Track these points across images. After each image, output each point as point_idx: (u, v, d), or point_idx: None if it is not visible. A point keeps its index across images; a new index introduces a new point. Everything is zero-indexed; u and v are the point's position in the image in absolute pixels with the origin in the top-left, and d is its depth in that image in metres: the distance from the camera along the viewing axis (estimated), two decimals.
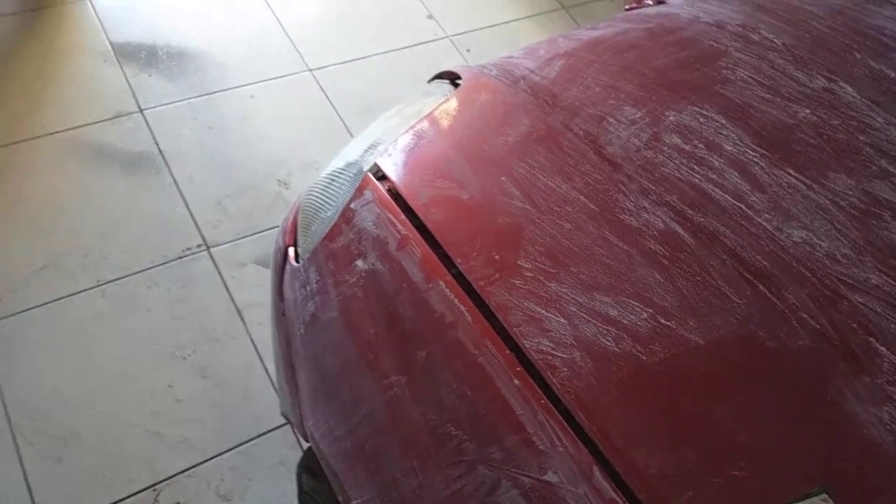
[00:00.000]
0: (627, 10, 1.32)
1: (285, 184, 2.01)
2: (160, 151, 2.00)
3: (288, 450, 1.58)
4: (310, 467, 1.22)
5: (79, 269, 1.75)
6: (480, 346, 0.78)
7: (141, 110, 2.08)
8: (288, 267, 1.06)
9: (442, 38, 2.52)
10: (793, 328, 0.77)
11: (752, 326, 0.76)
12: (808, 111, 1.00)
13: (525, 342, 0.76)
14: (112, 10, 2.29)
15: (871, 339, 0.78)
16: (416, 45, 2.47)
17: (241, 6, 2.41)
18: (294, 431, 1.61)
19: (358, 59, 2.37)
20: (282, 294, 1.07)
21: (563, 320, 0.77)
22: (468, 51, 2.49)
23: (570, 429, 0.70)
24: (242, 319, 1.75)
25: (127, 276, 1.76)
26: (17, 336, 1.62)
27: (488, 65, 1.15)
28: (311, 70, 2.30)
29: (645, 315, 0.76)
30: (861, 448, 0.70)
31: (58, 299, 1.69)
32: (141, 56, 2.20)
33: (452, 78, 1.17)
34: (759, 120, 0.98)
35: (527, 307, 0.78)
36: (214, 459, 1.55)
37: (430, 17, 2.58)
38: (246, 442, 1.58)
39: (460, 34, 2.55)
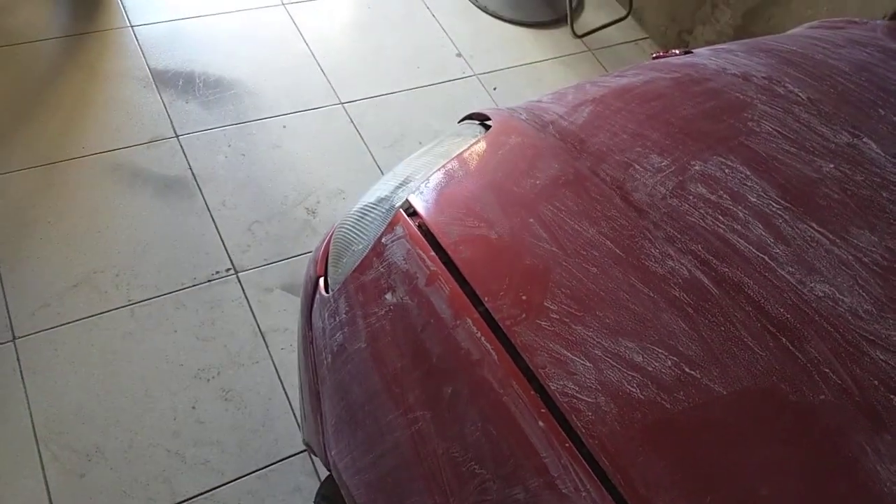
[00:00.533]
0: (654, 58, 1.36)
1: (313, 212, 2.05)
2: (194, 176, 2.06)
3: (305, 477, 1.60)
4: (329, 497, 1.23)
5: (111, 288, 1.79)
6: (506, 385, 0.80)
7: (177, 136, 2.14)
8: (318, 297, 1.08)
9: (470, 76, 2.58)
10: (815, 382, 0.78)
11: (774, 379, 0.77)
12: (831, 166, 1.02)
13: (550, 384, 0.78)
14: (153, 38, 2.38)
15: (892, 396, 0.78)
16: (444, 82, 2.52)
17: (277, 39, 2.49)
18: (311, 459, 1.63)
19: (388, 93, 2.43)
20: (311, 323, 1.10)
21: (588, 364, 0.78)
22: (495, 89, 2.55)
23: (593, 474, 0.71)
24: (266, 344, 1.78)
25: (156, 296, 1.80)
26: (47, 351, 1.66)
27: (518, 108, 1.18)
28: (342, 103, 2.36)
29: (669, 363, 0.78)
30: None
31: (89, 317, 1.74)
32: (179, 83, 2.27)
33: (482, 119, 1.20)
34: (784, 173, 1.00)
35: (552, 349, 0.80)
36: (233, 483, 1.57)
37: (459, 55, 2.64)
38: (264, 467, 1.60)
39: (488, 73, 2.60)
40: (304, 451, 1.64)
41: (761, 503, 0.69)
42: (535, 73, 2.66)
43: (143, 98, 2.21)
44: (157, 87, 2.25)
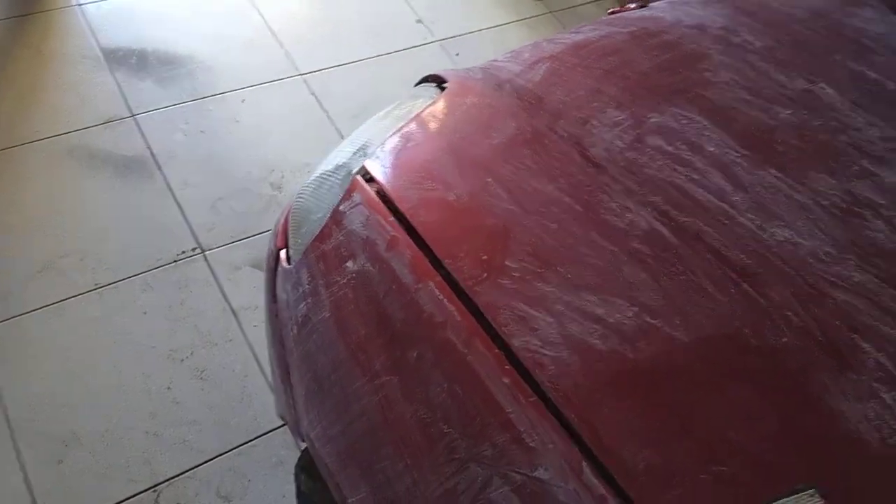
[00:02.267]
0: (610, 13, 1.34)
1: (278, 187, 2.02)
2: (153, 156, 2.01)
3: (286, 450, 1.60)
4: (307, 468, 1.23)
5: (75, 273, 1.76)
6: (470, 345, 0.79)
7: (133, 115, 2.09)
8: (280, 269, 1.07)
9: (431, 42, 2.54)
10: (777, 326, 0.79)
11: (736, 324, 0.78)
12: (789, 112, 1.02)
13: (514, 341, 0.78)
14: (102, 16, 2.30)
15: (854, 336, 0.79)
16: (405, 49, 2.48)
17: (231, 11, 2.42)
18: (292, 433, 1.63)
19: (348, 63, 2.38)
20: (275, 296, 1.09)
21: (550, 319, 0.78)
22: (457, 54, 2.51)
23: (559, 426, 0.71)
24: (238, 322, 1.76)
25: (123, 279, 1.77)
26: (15, 339, 1.63)
27: (474, 68, 1.16)
28: (301, 74, 2.31)
29: (630, 313, 0.78)
30: (847, 444, 0.71)
31: (55, 303, 1.70)
32: (132, 61, 2.21)
33: (439, 81, 1.18)
34: (741, 121, 1.00)
35: (515, 306, 0.80)
36: (214, 461, 1.56)
37: (420, 21, 2.59)
38: (245, 443, 1.60)
39: (449, 38, 2.56)
40: (284, 425, 1.64)
41: (726, 447, 0.70)
42: (497, 36, 2.63)
43: (96, 78, 2.14)
44: (108, 66, 2.18)
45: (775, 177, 0.94)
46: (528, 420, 0.73)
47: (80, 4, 2.31)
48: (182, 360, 1.68)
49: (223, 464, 1.56)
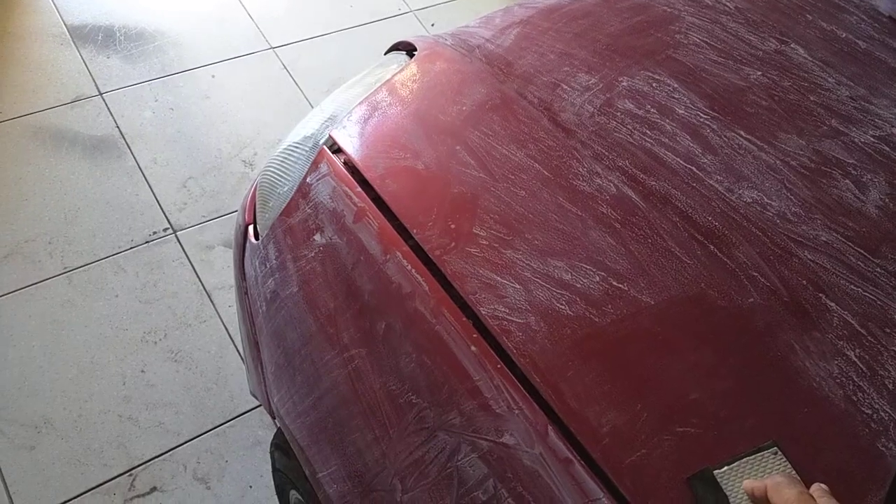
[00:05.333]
0: None
1: (251, 164, 1.99)
2: (122, 135, 1.97)
3: (264, 430, 1.59)
4: (281, 445, 1.22)
5: (44, 257, 1.72)
6: (438, 314, 0.78)
7: (101, 93, 2.04)
8: (248, 245, 1.05)
9: (406, 13, 2.49)
10: (743, 286, 0.78)
11: (702, 286, 0.77)
12: (759, 73, 1.01)
13: (481, 309, 0.76)
14: None
15: (821, 295, 0.79)
16: (379, 20, 2.44)
17: None
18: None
19: (321, 35, 2.34)
20: (244, 272, 1.07)
21: (517, 286, 0.77)
22: (433, 25, 2.47)
23: (525, 392, 0.71)
24: (212, 302, 1.74)
25: (93, 262, 1.74)
26: None
27: (444, 34, 1.14)
28: (273, 48, 2.27)
29: (597, 278, 0.77)
30: (811, 402, 0.71)
31: (24, 287, 1.67)
32: (98, 38, 2.15)
33: (409, 49, 1.16)
34: (711, 83, 0.99)
35: (482, 274, 0.79)
36: (190, 442, 1.55)
37: None
38: (221, 424, 1.58)
39: (424, 8, 2.52)
40: (260, 405, 1.62)
41: (691, 406, 0.69)
42: (472, 6, 2.59)
43: (62, 56, 2.09)
44: (75, 43, 2.13)
45: (744, 138, 0.93)
46: (494, 387, 0.72)
47: None
48: (156, 342, 1.66)
49: (200, 445, 1.55)
